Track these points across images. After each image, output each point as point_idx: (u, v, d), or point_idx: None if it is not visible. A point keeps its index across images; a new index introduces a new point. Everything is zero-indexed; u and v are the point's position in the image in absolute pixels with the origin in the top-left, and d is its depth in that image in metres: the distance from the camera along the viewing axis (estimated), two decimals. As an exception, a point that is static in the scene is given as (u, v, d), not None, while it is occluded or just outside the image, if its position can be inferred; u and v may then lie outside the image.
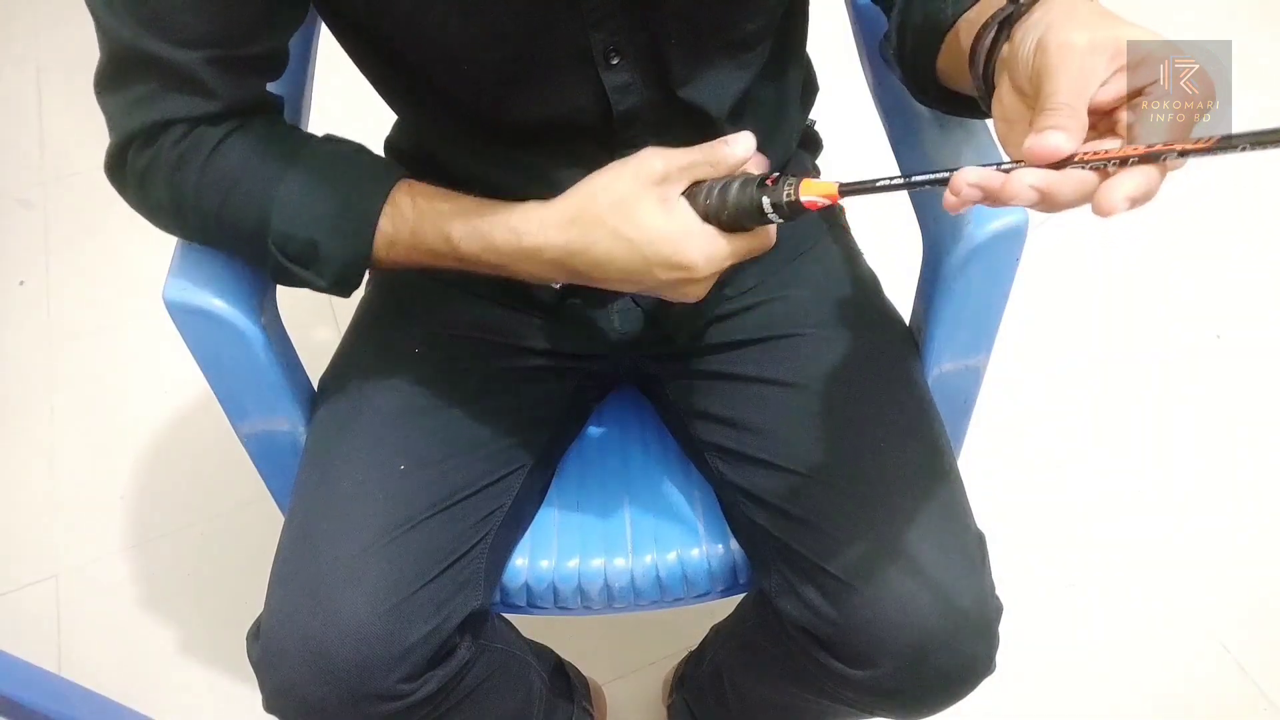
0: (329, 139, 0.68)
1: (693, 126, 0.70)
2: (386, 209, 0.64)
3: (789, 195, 0.56)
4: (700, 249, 0.58)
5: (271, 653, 0.64)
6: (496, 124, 0.69)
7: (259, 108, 0.67)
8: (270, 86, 0.68)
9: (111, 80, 0.63)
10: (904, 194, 0.81)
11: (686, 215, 0.59)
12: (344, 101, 1.37)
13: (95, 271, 1.66)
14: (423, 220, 0.64)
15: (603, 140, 0.70)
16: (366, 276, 0.69)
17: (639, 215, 0.58)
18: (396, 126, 0.82)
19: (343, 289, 0.67)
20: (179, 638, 1.23)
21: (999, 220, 0.72)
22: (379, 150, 0.80)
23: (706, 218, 0.59)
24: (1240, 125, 0.48)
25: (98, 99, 0.64)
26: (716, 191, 0.59)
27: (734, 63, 0.69)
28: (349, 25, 0.67)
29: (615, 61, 0.65)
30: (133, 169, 0.65)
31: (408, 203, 0.64)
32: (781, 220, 0.58)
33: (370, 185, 0.64)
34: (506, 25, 0.62)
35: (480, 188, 0.72)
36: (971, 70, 0.58)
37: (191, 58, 0.60)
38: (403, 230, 0.64)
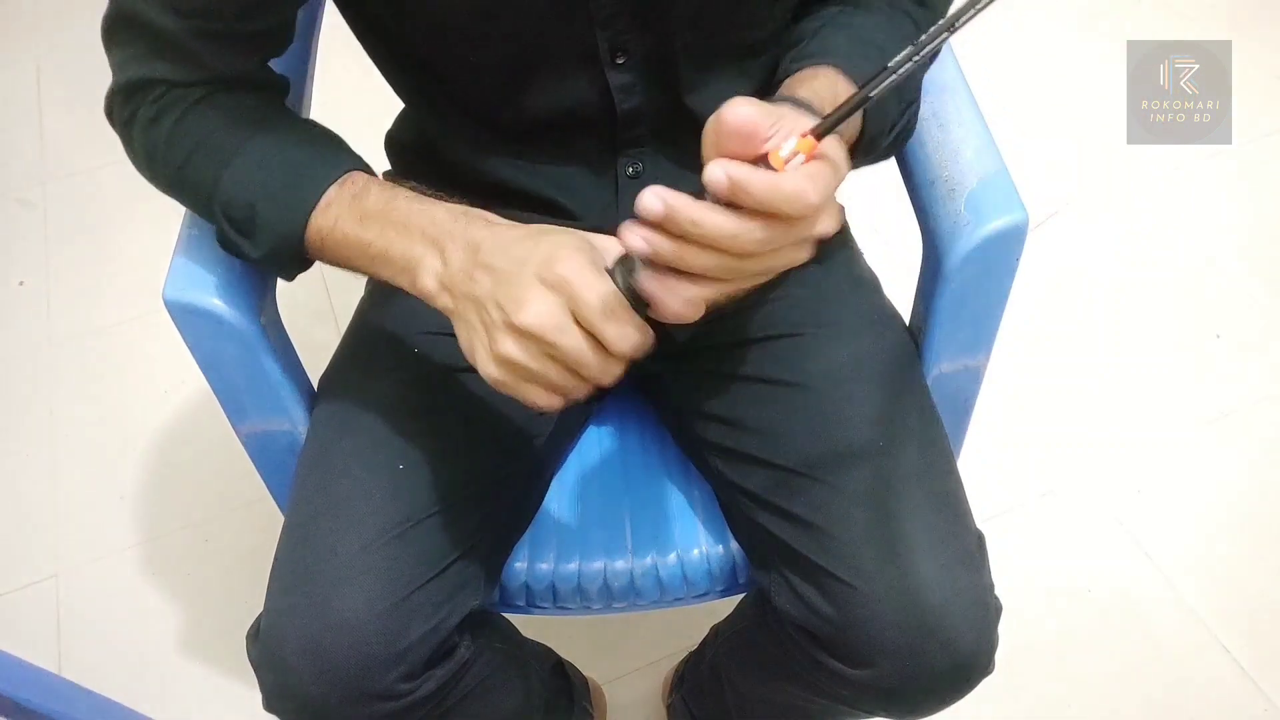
0: (308, 122, 0.68)
1: (695, 130, 0.70)
2: (335, 186, 0.62)
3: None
4: (582, 264, 0.52)
5: (271, 652, 0.64)
6: (501, 117, 0.69)
7: (251, 83, 0.67)
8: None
9: (110, 34, 0.65)
10: (904, 193, 0.81)
11: (596, 258, 0.53)
12: (347, 88, 1.37)
13: (95, 271, 1.66)
14: (370, 189, 0.61)
15: (605, 139, 0.70)
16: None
17: (562, 232, 0.55)
18: (399, 119, 0.82)
19: (276, 266, 0.66)
20: (179, 638, 1.23)
21: (999, 220, 0.72)
22: (379, 147, 0.81)
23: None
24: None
25: (103, 46, 0.66)
26: (622, 264, 0.53)
27: (738, 70, 0.69)
28: (357, 9, 0.67)
29: (621, 61, 0.65)
30: (118, 118, 0.67)
31: (364, 178, 0.63)
32: None
33: (328, 165, 0.63)
34: (514, 20, 0.62)
35: (481, 181, 0.72)
36: None
37: (182, 26, 0.61)
38: (345, 193, 0.61)
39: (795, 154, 0.47)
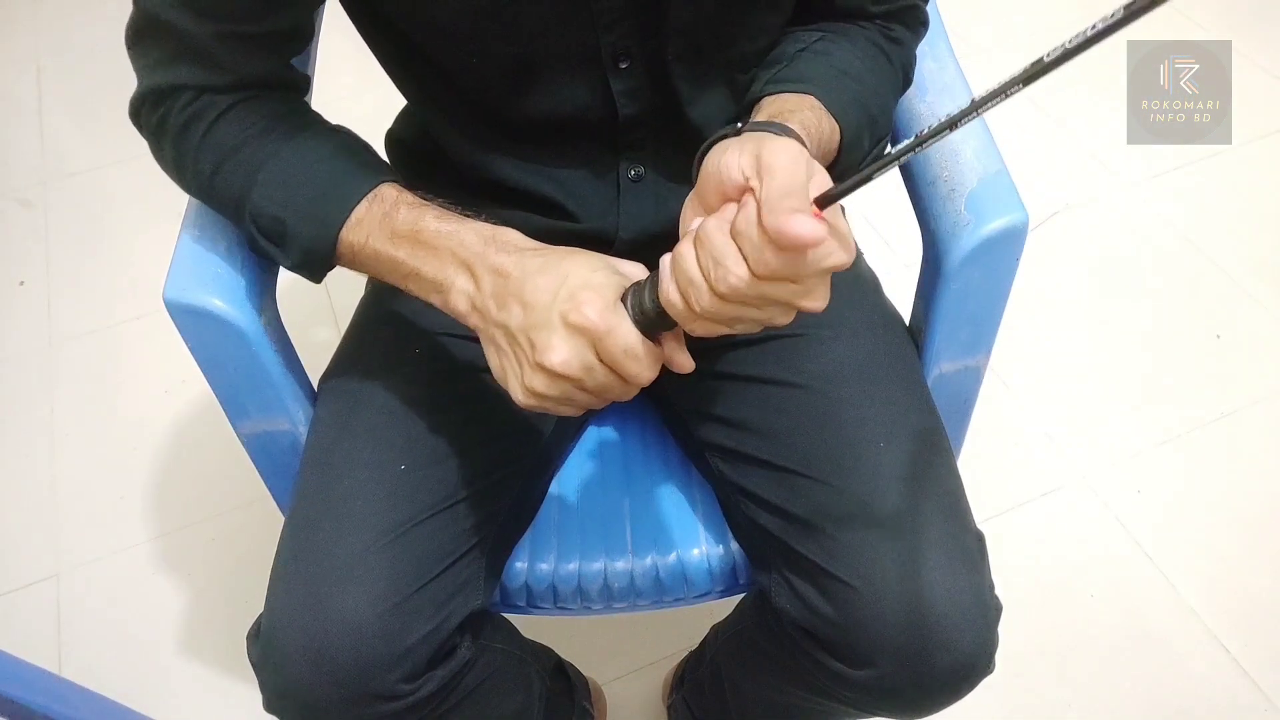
0: (339, 129, 0.68)
1: (693, 139, 0.70)
2: (364, 203, 0.63)
3: None
4: (604, 306, 0.55)
5: (271, 653, 0.64)
6: (503, 116, 0.69)
7: (275, 83, 0.68)
8: None
9: (135, 39, 0.65)
10: (904, 193, 0.82)
11: (617, 292, 0.56)
12: (347, 86, 1.37)
13: (95, 271, 1.66)
14: (399, 208, 0.63)
15: (607, 142, 0.70)
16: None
17: (586, 265, 0.57)
18: (400, 117, 0.82)
19: (306, 272, 0.67)
20: (179, 638, 1.23)
21: (999, 220, 0.72)
22: (379, 145, 0.81)
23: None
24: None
25: (127, 51, 0.66)
26: (634, 292, 0.56)
27: (728, 83, 0.70)
28: (362, 7, 0.67)
29: (624, 65, 0.65)
30: (146, 123, 0.67)
31: (393, 193, 0.64)
32: None
33: (358, 179, 0.64)
34: (517, 22, 0.62)
35: (482, 180, 0.73)
36: None
37: (206, 30, 0.61)
38: (375, 210, 0.63)
39: None
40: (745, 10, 0.66)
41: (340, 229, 0.63)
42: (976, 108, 0.42)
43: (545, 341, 0.55)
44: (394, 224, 0.62)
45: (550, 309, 0.55)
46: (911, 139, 0.46)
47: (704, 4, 0.64)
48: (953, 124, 0.43)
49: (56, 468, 1.41)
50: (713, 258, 0.50)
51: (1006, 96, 0.41)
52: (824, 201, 0.49)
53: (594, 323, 0.54)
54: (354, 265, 0.65)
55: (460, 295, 0.60)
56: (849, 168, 0.66)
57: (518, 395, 0.58)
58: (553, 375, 0.56)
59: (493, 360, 0.60)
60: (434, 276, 0.61)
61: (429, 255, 0.61)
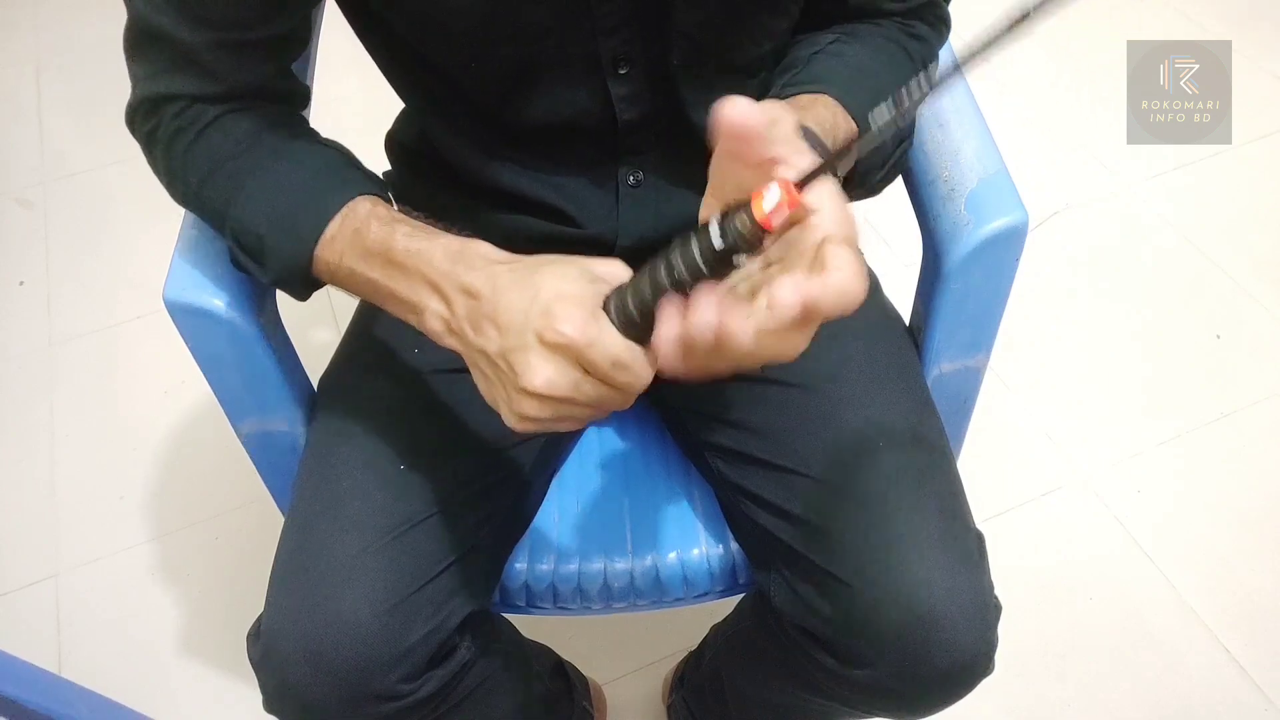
0: (328, 143, 0.68)
1: (694, 144, 0.70)
2: (341, 213, 0.62)
3: (743, 225, 0.45)
4: (583, 318, 0.51)
5: (271, 653, 0.64)
6: (502, 121, 0.69)
7: (271, 94, 0.67)
8: None
9: (130, 46, 0.65)
10: (904, 193, 0.81)
11: (596, 300, 0.53)
12: (347, 88, 1.37)
13: (95, 271, 1.66)
14: (370, 224, 0.61)
15: (606, 146, 0.70)
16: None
17: (559, 275, 0.54)
18: (399, 119, 0.81)
19: (287, 289, 0.66)
20: (179, 638, 1.23)
21: (999, 220, 0.72)
22: (378, 146, 0.81)
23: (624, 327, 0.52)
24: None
25: (125, 58, 0.66)
26: (616, 296, 0.52)
27: (734, 88, 0.69)
28: (360, 10, 0.67)
29: (624, 71, 0.65)
30: (140, 131, 0.67)
31: (366, 207, 0.62)
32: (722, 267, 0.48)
33: (334, 194, 0.63)
34: (518, 25, 0.62)
35: (481, 185, 0.73)
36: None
37: (200, 39, 0.61)
38: (348, 227, 0.61)
39: (780, 206, 0.45)
40: (749, 13, 0.66)
41: (315, 245, 0.62)
42: (958, 65, 0.41)
43: (524, 364, 0.52)
44: (365, 242, 0.60)
45: (524, 329, 0.52)
46: (889, 101, 0.43)
47: (707, 8, 0.63)
48: (935, 84, 0.42)
49: (56, 468, 1.41)
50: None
51: (993, 45, 0.40)
52: (803, 182, 0.45)
53: (572, 338, 0.50)
54: (335, 284, 0.64)
55: (433, 317, 0.57)
56: (873, 167, 0.66)
57: (510, 421, 0.55)
58: (540, 398, 0.52)
59: (481, 386, 0.57)
60: (407, 298, 0.58)
61: (400, 276, 0.59)
